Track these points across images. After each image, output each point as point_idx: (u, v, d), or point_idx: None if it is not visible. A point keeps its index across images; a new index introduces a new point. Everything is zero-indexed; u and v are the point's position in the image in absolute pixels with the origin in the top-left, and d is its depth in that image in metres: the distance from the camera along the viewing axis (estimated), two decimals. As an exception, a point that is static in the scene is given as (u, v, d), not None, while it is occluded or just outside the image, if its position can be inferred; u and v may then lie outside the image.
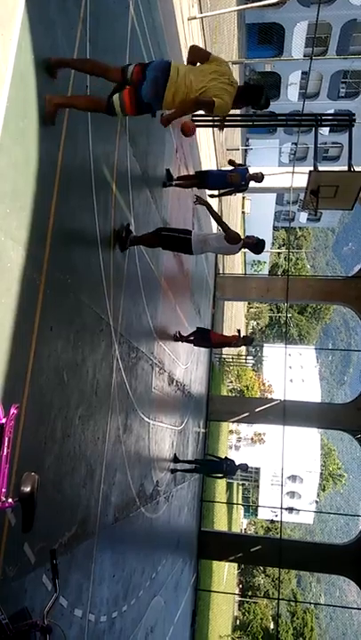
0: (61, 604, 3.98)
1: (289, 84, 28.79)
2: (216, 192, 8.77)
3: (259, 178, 7.56)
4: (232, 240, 6.00)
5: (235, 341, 9.29)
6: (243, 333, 9.82)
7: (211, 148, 13.17)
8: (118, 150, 5.00)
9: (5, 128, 2.83)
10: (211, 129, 12.50)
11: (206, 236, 6.33)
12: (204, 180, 7.69)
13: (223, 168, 8.47)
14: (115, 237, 5.03)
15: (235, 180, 7.43)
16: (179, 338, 8.92)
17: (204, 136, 11.72)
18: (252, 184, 7.76)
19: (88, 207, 4.29)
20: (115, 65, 3.59)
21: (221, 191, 8.27)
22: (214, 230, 11.68)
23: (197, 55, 3.64)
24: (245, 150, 27.82)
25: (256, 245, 6.21)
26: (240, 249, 6.31)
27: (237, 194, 9.08)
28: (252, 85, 4.02)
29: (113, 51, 4.83)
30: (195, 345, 9.75)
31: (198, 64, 3.62)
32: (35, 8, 3.10)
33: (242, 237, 6.31)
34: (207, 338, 9.55)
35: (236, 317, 31.77)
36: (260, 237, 6.36)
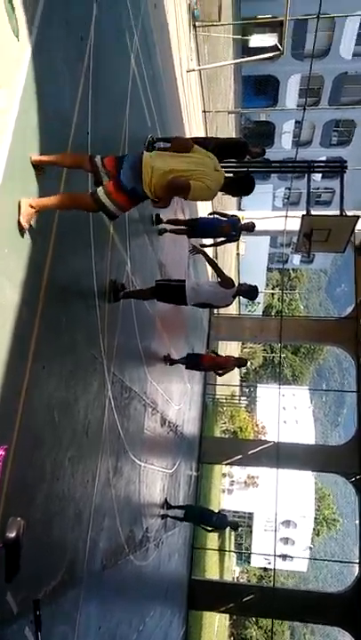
0: (44, 660, 3.78)
1: (283, 132, 29.87)
2: (210, 241, 8.92)
3: (250, 227, 7.66)
4: (226, 285, 6.06)
5: (227, 364, 8.97)
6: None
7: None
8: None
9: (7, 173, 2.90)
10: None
11: (200, 283, 6.50)
12: (194, 227, 7.74)
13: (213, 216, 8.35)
14: (110, 283, 5.07)
15: (226, 230, 7.53)
16: (168, 360, 8.73)
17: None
18: None
19: (85, 249, 4.35)
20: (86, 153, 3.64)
21: (217, 240, 8.40)
22: (209, 279, 11.82)
23: (180, 145, 3.55)
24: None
25: (249, 292, 6.26)
26: (234, 297, 6.29)
27: (230, 243, 9.25)
28: (242, 177, 4.11)
29: (114, 101, 5.02)
30: (186, 367, 9.49)
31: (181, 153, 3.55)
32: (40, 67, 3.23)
33: (235, 284, 6.38)
34: (198, 361, 9.32)
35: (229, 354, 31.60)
36: (253, 284, 6.42)
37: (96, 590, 5.03)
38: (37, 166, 3.24)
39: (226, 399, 26.84)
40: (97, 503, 4.88)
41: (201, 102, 11.58)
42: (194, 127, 10.59)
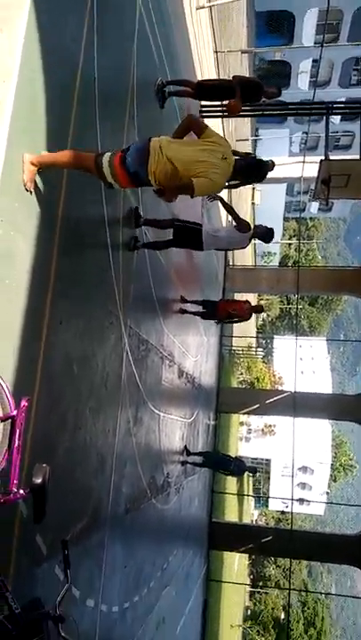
0: (73, 595, 4.02)
1: (299, 72, 28.39)
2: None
3: (270, 167, 7.23)
4: (243, 228, 5.97)
5: (243, 310, 8.67)
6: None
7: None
8: (127, 139, 4.97)
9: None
10: (220, 119, 12.39)
11: (217, 229, 6.34)
12: None
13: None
14: (123, 224, 5.01)
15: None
16: (183, 304, 8.55)
17: (213, 126, 11.62)
18: None
19: (96, 199, 4.28)
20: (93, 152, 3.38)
21: (231, 183, 7.97)
22: (224, 225, 11.58)
23: (190, 128, 3.42)
24: (255, 140, 27.59)
25: (266, 234, 6.18)
26: (250, 240, 6.27)
27: (247, 185, 8.51)
28: (252, 162, 3.79)
29: (121, 42, 4.79)
30: (203, 317, 9.39)
31: (188, 138, 3.40)
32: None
33: (251, 228, 6.29)
34: (215, 308, 8.99)
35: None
36: (269, 227, 6.32)
37: (121, 532, 5.28)
38: None
39: (242, 350, 27.02)
40: (119, 451, 5.04)
41: (212, 42, 11.00)
42: (205, 69, 10.12)
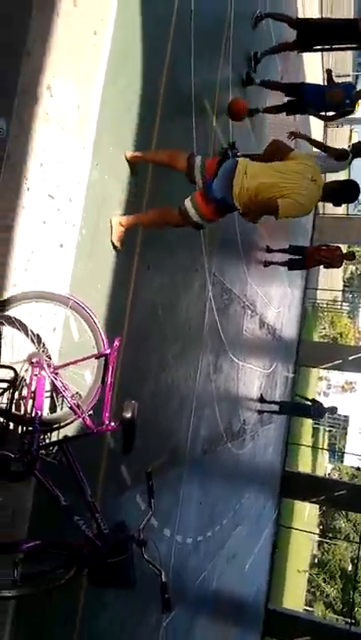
0: (152, 524, 4.32)
1: None
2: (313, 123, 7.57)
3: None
4: (340, 157, 5.53)
5: (333, 256, 8.19)
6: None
7: (319, 74, 12.16)
8: (221, 77, 4.77)
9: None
10: (320, 53, 11.48)
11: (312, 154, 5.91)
12: (297, 97, 5.87)
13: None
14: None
15: (336, 98, 5.66)
16: (269, 260, 8.37)
17: (311, 61, 10.81)
18: None
19: (188, 135, 4.20)
20: (183, 151, 3.32)
21: (326, 114, 6.37)
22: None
23: (277, 152, 3.21)
24: (357, 76, 25.28)
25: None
26: (350, 162, 5.76)
27: (341, 118, 7.49)
28: (345, 185, 3.40)
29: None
30: (289, 268, 9.09)
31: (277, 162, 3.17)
32: None
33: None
34: (303, 256, 8.61)
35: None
36: None
37: (197, 471, 5.53)
38: None
39: (327, 304, 26.12)
40: (198, 395, 5.19)
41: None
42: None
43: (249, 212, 3.18)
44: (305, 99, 5.76)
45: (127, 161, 3.19)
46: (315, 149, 5.83)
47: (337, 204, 3.69)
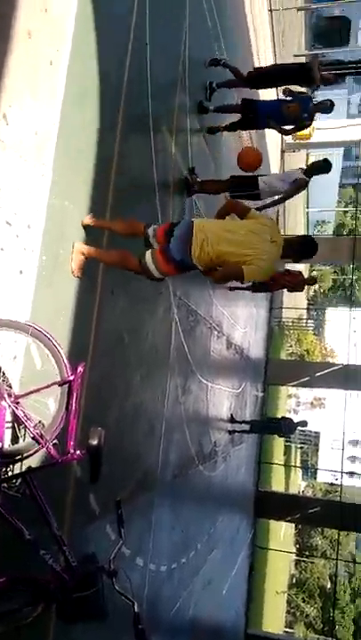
0: (124, 553, 4.22)
1: (359, 28, 26.71)
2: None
3: (327, 106, 5.75)
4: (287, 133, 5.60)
5: (296, 281, 8.33)
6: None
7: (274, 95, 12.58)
8: (179, 102, 4.89)
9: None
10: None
11: (271, 178, 6.05)
12: (252, 114, 5.77)
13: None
14: (175, 187, 4.98)
15: (293, 112, 5.56)
16: (233, 287, 8.37)
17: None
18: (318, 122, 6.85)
19: (147, 157, 4.27)
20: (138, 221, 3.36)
21: (283, 129, 6.17)
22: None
23: (231, 212, 3.31)
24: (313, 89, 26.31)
25: (322, 166, 5.75)
26: (309, 177, 5.74)
27: (298, 132, 7.20)
28: (302, 242, 3.49)
29: (173, 6, 4.66)
30: (253, 292, 9.22)
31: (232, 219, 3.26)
32: None
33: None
34: (265, 284, 8.87)
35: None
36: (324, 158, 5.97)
37: (169, 496, 5.45)
38: None
39: (293, 322, 26.58)
40: (167, 418, 5.15)
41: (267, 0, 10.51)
42: (259, 28, 9.71)
43: (213, 276, 3.24)
44: (260, 113, 5.72)
45: (84, 227, 3.17)
46: (275, 183, 5.85)
47: (296, 260, 3.75)
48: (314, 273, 39.71)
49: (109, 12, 3.42)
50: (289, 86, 5.91)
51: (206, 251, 3.04)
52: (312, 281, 8.80)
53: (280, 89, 5.97)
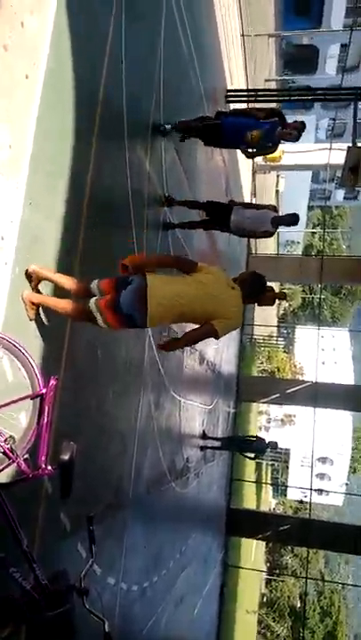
0: (95, 572, 4.13)
1: (328, 57, 27.75)
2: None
3: (294, 137, 5.56)
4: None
5: (267, 299, 8.29)
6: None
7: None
8: (153, 119, 4.97)
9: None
10: (246, 104, 12.23)
11: (244, 215, 6.07)
12: (217, 131, 5.51)
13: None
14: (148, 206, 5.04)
15: (254, 139, 5.36)
16: None
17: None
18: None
19: (121, 168, 4.31)
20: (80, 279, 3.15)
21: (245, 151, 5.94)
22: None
23: (175, 267, 3.26)
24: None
25: (291, 221, 5.83)
26: (275, 226, 5.84)
27: (262, 155, 7.16)
28: (252, 281, 3.37)
29: (148, 25, 4.77)
30: None
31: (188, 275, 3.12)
32: None
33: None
34: None
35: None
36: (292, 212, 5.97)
37: (141, 513, 5.38)
38: None
39: (263, 339, 26.90)
40: (140, 434, 5.11)
41: (239, 25, 10.84)
42: (232, 53, 10.00)
43: (178, 344, 3.23)
44: (224, 133, 5.50)
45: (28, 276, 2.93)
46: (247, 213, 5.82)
47: (250, 301, 3.53)
48: (284, 291, 40.29)
49: (86, 29, 3.47)
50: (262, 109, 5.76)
51: (168, 315, 2.97)
52: (282, 296, 8.82)
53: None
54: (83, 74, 3.35)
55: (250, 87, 11.95)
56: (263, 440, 10.88)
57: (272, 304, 9.16)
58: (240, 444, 11.28)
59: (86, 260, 3.51)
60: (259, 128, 5.33)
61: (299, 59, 27.74)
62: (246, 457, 11.46)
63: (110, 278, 3.05)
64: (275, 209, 5.97)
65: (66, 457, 2.26)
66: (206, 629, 11.63)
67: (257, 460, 28.21)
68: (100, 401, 4.04)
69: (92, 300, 2.93)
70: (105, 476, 4.30)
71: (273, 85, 17.03)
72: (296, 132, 5.48)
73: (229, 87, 9.92)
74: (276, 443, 11.13)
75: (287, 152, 14.24)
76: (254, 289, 3.38)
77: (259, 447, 10.74)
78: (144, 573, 5.59)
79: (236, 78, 10.70)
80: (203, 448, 9.41)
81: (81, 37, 3.31)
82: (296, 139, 5.57)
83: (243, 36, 11.29)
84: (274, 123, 5.40)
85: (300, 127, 5.48)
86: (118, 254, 4.17)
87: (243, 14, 10.90)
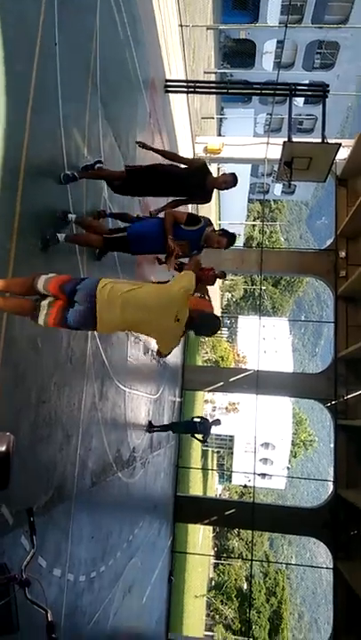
0: (40, 565, 4.09)
1: (264, 52, 28.28)
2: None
3: (220, 275, 6.22)
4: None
5: (208, 278, 7.98)
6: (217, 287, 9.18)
7: (185, 115, 12.98)
8: (89, 111, 4.91)
9: None
10: (185, 95, 12.29)
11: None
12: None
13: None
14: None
15: (183, 249, 4.69)
16: None
17: (178, 102, 11.53)
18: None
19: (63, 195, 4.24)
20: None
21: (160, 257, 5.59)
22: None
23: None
24: (220, 119, 27.46)
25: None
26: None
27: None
28: (204, 318, 3.41)
29: (83, 12, 4.69)
30: None
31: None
32: None
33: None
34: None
35: (210, 289, 31.82)
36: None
37: (87, 504, 5.36)
38: None
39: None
40: (84, 425, 5.08)
41: (177, 15, 10.84)
42: (170, 43, 9.99)
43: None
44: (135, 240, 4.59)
45: None
46: None
47: (198, 333, 3.72)
48: (226, 282, 41.04)
49: (17, 12, 3.38)
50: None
51: (113, 328, 3.17)
52: (222, 275, 8.72)
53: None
54: (13, 58, 3.25)
55: (189, 78, 12.01)
56: (206, 420, 11.50)
57: (212, 283, 9.20)
58: (186, 425, 11.69)
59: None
60: (185, 238, 4.67)
61: (237, 52, 28.13)
62: (195, 438, 11.83)
63: (57, 280, 3.09)
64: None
65: (2, 447, 2.22)
66: (156, 616, 11.77)
67: (203, 448, 28.70)
68: (41, 392, 3.98)
69: (42, 316, 3.05)
70: (48, 468, 4.25)
71: (212, 78, 17.16)
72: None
73: (168, 77, 9.92)
74: (219, 420, 11.79)
75: (227, 145, 14.44)
76: (199, 326, 3.44)
77: (203, 428, 11.19)
78: (91, 564, 5.58)
79: (174, 69, 10.71)
80: (150, 430, 9.57)
81: (11, 21, 3.21)
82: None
83: (181, 26, 11.29)
84: (201, 228, 4.82)
85: (230, 237, 4.92)
86: (63, 265, 4.10)
87: (180, 4, 10.90)
